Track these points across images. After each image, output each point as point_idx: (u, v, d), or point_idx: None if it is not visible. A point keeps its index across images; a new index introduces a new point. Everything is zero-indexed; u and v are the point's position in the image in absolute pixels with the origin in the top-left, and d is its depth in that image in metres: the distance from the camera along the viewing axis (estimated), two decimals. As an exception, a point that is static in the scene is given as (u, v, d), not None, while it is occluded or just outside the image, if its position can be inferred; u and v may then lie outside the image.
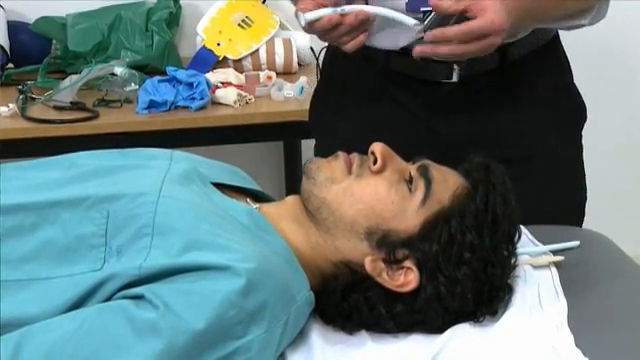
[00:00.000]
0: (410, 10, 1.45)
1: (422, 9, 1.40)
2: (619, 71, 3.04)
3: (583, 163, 1.70)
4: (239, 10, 2.71)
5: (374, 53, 1.58)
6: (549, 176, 1.62)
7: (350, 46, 1.46)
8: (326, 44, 1.67)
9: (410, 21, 1.40)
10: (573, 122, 1.68)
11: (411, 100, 1.60)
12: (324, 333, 1.24)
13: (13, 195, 1.19)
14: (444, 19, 1.35)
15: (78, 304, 1.10)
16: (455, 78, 1.54)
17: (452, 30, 1.33)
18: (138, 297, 1.09)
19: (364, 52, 1.50)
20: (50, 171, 1.28)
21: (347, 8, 1.42)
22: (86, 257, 1.12)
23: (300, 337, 1.21)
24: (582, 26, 1.54)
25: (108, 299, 1.10)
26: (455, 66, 1.52)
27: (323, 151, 1.70)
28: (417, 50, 1.38)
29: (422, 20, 1.40)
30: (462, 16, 1.33)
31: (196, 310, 1.07)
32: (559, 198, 1.64)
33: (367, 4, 1.47)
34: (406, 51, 1.53)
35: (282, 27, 2.77)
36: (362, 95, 1.65)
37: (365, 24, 1.44)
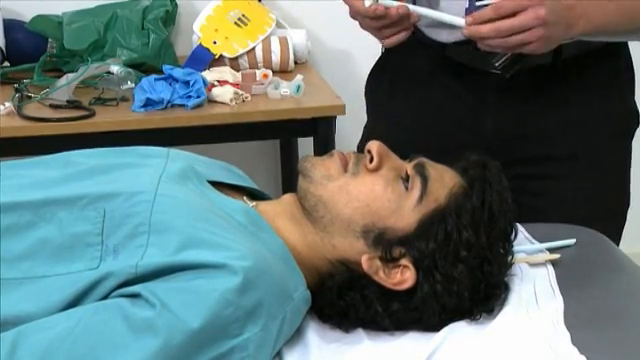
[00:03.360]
0: (471, 12, 1.43)
1: (478, 4, 1.40)
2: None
3: (629, 168, 1.69)
4: (235, 8, 2.71)
5: (431, 39, 1.58)
6: (593, 177, 1.62)
7: (389, 42, 1.45)
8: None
9: (459, 21, 1.39)
10: (623, 126, 1.66)
11: (462, 89, 1.61)
12: (321, 331, 1.24)
13: (9, 193, 1.19)
14: None
15: (75, 302, 1.10)
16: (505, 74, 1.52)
17: (487, 10, 1.33)
18: (134, 295, 1.09)
19: (421, 37, 1.48)
20: (46, 169, 1.28)
21: (411, 7, 1.42)
22: (82, 255, 1.12)
23: (297, 335, 1.21)
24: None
25: (105, 297, 1.10)
26: (497, 63, 1.48)
27: (374, 129, 1.71)
28: (464, 31, 1.38)
29: None
30: None
31: (192, 308, 1.07)
32: (601, 200, 1.63)
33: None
34: (462, 41, 1.52)
35: (278, 25, 2.77)
36: (415, 80, 1.65)
37: (405, 21, 1.43)
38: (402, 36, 1.45)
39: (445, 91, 1.62)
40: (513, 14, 1.34)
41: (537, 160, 1.60)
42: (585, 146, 1.60)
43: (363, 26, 1.47)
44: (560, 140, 1.60)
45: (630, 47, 1.65)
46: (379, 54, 1.73)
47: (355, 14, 1.44)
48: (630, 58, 1.67)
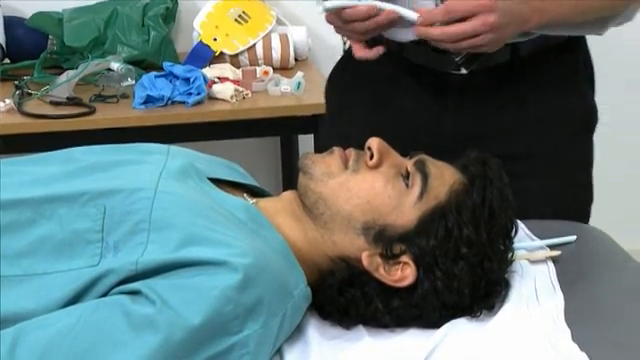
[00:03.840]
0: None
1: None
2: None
3: (592, 165, 1.68)
4: (236, 5, 2.71)
5: (389, 41, 1.58)
6: (553, 175, 1.61)
7: (362, 54, 1.45)
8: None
9: (413, 15, 1.39)
10: (582, 123, 1.66)
11: (421, 90, 1.60)
12: (321, 328, 1.24)
13: (9, 190, 1.19)
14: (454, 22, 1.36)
15: (75, 299, 1.10)
16: (464, 70, 1.53)
17: (437, 10, 1.33)
18: (135, 292, 1.08)
19: (378, 39, 1.49)
20: (46, 166, 1.28)
21: (362, 1, 1.41)
22: (83, 252, 1.12)
23: (297, 332, 1.21)
24: (602, 29, 1.52)
25: (105, 294, 1.10)
26: (457, 58, 1.51)
27: (333, 133, 1.71)
28: (416, 31, 1.38)
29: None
30: None
31: (193, 305, 1.07)
32: (563, 198, 1.62)
33: None
34: (419, 40, 1.52)
35: (279, 22, 2.77)
36: (374, 81, 1.65)
37: (393, 24, 1.42)
38: (379, 50, 1.45)
39: (405, 92, 1.62)
40: (463, 18, 1.34)
41: None
42: (544, 144, 1.60)
43: (338, 30, 1.47)
44: (519, 139, 1.59)
45: (589, 44, 1.64)
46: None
47: (333, 19, 1.44)
48: (589, 55, 1.66)
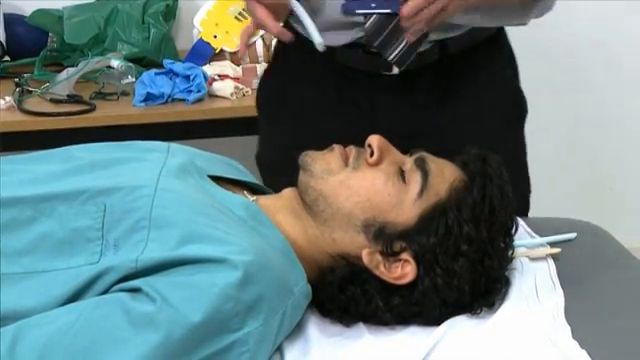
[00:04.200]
0: (347, 13, 1.48)
1: (359, 12, 1.45)
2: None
3: (525, 155, 1.71)
4: (236, 3, 2.70)
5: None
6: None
7: (278, 30, 1.46)
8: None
9: (317, 39, 1.42)
10: (513, 115, 1.69)
11: (353, 91, 1.61)
12: (321, 325, 1.24)
13: (9, 188, 1.19)
14: (386, 20, 1.40)
15: (75, 297, 1.10)
16: (396, 70, 1.55)
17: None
18: (135, 290, 1.08)
19: (308, 44, 1.50)
20: (47, 164, 1.28)
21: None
22: (83, 250, 1.12)
23: (297, 329, 1.21)
24: (526, 18, 1.56)
25: (105, 292, 1.10)
26: (390, 57, 1.52)
27: (267, 140, 1.72)
28: (409, 37, 1.42)
29: (364, 22, 1.46)
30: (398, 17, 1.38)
31: (193, 303, 1.07)
32: None
33: None
34: (349, 43, 1.54)
35: (279, 19, 2.76)
36: (306, 85, 1.65)
37: (281, 10, 1.45)
38: (287, 34, 1.47)
39: (337, 95, 1.62)
40: None
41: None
42: (478, 138, 1.59)
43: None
44: (453, 135, 1.60)
45: (509, 36, 1.68)
46: None
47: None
48: (511, 48, 1.69)
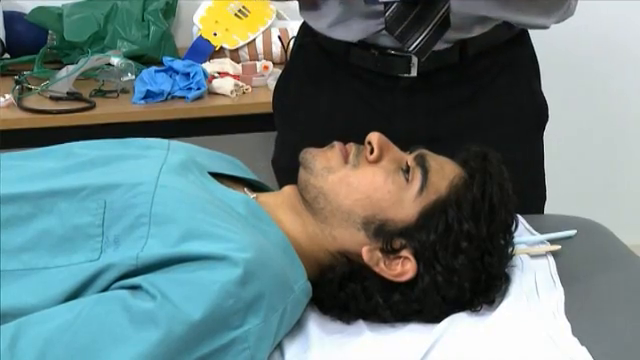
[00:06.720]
0: (369, 1, 1.45)
1: (381, 0, 1.42)
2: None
3: (543, 162, 1.69)
4: (235, 0, 2.71)
5: (334, 46, 1.58)
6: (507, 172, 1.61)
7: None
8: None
9: None
10: (533, 121, 1.66)
11: (370, 94, 1.60)
12: (321, 323, 1.24)
13: (9, 185, 1.19)
14: (406, 9, 1.38)
15: (75, 294, 1.10)
16: (414, 72, 1.54)
17: None
18: (135, 287, 1.08)
19: (325, 45, 1.49)
20: (46, 161, 1.28)
21: None
22: (83, 247, 1.12)
23: (297, 327, 1.21)
24: (548, 19, 1.54)
25: (105, 289, 1.10)
26: (414, 60, 1.52)
27: (284, 140, 1.71)
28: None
29: (384, 11, 1.43)
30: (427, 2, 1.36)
31: (193, 300, 1.07)
32: (517, 194, 1.62)
33: None
34: (364, 44, 1.53)
35: (279, 17, 2.76)
36: (322, 87, 1.64)
37: None
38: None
39: (354, 97, 1.61)
40: None
41: None
42: (497, 144, 1.59)
43: None
44: (471, 139, 1.57)
45: (532, 37, 1.65)
46: None
47: None
48: (533, 50, 1.66)
